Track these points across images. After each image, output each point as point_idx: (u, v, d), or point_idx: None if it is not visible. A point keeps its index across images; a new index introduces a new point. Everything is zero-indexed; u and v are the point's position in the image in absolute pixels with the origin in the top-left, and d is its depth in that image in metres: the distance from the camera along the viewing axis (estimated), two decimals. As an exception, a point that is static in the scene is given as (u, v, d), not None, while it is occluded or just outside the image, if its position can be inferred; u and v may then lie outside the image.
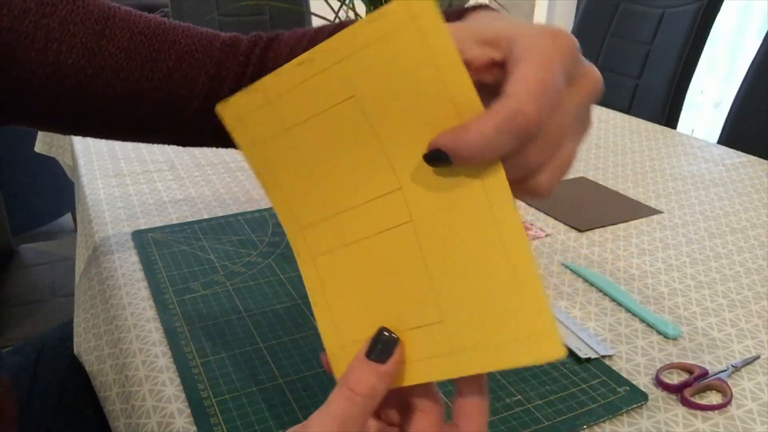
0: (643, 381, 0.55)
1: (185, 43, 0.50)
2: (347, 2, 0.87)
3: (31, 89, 0.46)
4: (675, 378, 0.55)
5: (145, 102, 0.49)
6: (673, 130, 1.23)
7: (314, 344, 0.57)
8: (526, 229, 0.78)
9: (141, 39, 0.48)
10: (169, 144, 0.55)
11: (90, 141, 1.03)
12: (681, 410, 0.52)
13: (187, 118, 0.51)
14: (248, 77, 0.51)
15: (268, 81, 0.33)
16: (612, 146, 1.12)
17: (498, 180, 0.29)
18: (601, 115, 1.30)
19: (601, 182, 0.96)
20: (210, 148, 1.03)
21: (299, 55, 0.32)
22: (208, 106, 0.50)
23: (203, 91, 0.50)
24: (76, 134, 0.52)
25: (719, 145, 1.15)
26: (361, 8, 0.90)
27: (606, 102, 1.47)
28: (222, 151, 1.02)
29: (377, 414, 0.34)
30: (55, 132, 0.51)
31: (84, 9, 0.47)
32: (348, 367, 0.32)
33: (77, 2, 0.47)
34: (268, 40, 0.53)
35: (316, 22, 2.03)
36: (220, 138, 0.54)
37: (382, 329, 0.33)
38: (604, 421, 0.50)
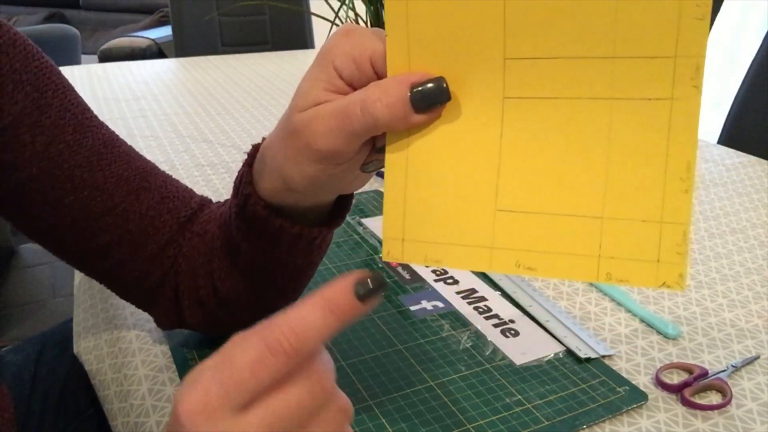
0: (642, 381, 0.55)
1: (169, 189, 0.53)
2: (347, 2, 0.87)
3: (24, 179, 0.46)
4: (675, 378, 0.55)
5: (112, 230, 0.49)
6: (673, 130, 1.22)
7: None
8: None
9: (134, 174, 0.51)
10: (107, 288, 0.54)
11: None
12: (681, 410, 0.52)
13: (141, 260, 0.51)
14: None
15: None
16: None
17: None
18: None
19: (601, 182, 0.96)
20: (211, 148, 1.03)
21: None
22: (163, 253, 0.51)
23: (168, 234, 0.51)
24: (33, 238, 0.51)
25: (719, 145, 1.15)
26: (361, 8, 0.90)
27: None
28: (222, 150, 1.02)
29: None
30: (14, 225, 0.51)
31: (93, 130, 0.50)
32: (332, 288, 0.30)
33: (91, 119, 0.50)
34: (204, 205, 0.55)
35: (316, 22, 2.03)
36: (154, 299, 0.54)
37: (375, 275, 0.31)
38: (603, 421, 0.50)
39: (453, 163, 0.33)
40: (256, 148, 0.44)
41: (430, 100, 0.32)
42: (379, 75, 0.34)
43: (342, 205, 0.46)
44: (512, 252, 0.32)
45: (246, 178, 0.44)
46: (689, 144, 0.29)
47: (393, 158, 0.34)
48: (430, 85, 0.32)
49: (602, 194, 0.31)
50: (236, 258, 0.49)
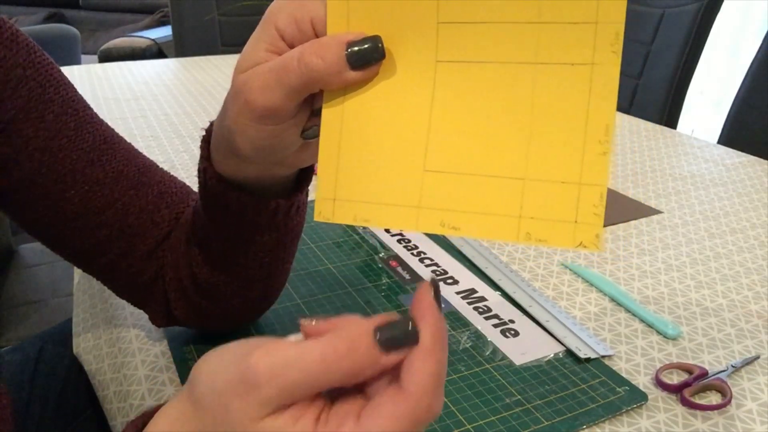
0: (642, 381, 0.55)
1: (168, 185, 0.53)
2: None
3: (26, 173, 0.47)
4: (675, 378, 0.55)
5: (111, 224, 0.50)
6: (673, 130, 1.23)
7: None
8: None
9: (134, 169, 0.51)
10: (104, 284, 0.54)
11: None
12: (681, 410, 0.52)
13: (139, 255, 0.51)
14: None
15: None
16: (612, 146, 1.12)
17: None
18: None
19: (601, 182, 0.96)
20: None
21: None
22: (159, 248, 0.52)
23: (166, 229, 0.52)
24: (33, 233, 0.51)
25: (719, 145, 1.15)
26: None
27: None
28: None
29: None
30: (14, 220, 0.51)
31: (94, 126, 0.50)
32: (351, 337, 0.28)
33: (92, 116, 0.50)
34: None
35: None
36: (149, 295, 0.54)
37: (406, 320, 0.28)
38: (603, 421, 0.50)
39: (386, 123, 0.34)
40: (212, 123, 0.45)
41: (365, 57, 0.33)
42: (320, 37, 0.35)
43: (302, 179, 0.47)
44: (438, 212, 0.33)
45: (203, 153, 0.45)
46: (608, 108, 0.30)
47: (328, 117, 0.35)
48: (366, 44, 0.33)
49: (525, 156, 0.32)
50: (208, 242, 0.49)
